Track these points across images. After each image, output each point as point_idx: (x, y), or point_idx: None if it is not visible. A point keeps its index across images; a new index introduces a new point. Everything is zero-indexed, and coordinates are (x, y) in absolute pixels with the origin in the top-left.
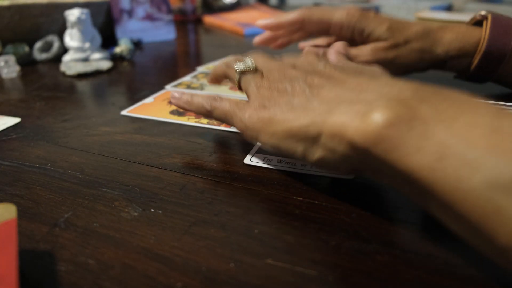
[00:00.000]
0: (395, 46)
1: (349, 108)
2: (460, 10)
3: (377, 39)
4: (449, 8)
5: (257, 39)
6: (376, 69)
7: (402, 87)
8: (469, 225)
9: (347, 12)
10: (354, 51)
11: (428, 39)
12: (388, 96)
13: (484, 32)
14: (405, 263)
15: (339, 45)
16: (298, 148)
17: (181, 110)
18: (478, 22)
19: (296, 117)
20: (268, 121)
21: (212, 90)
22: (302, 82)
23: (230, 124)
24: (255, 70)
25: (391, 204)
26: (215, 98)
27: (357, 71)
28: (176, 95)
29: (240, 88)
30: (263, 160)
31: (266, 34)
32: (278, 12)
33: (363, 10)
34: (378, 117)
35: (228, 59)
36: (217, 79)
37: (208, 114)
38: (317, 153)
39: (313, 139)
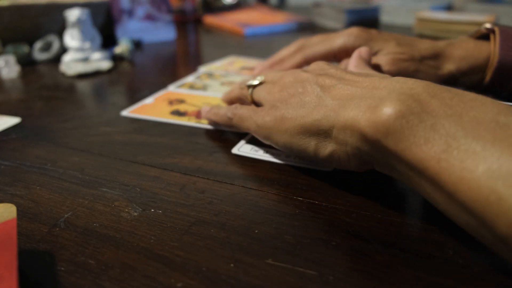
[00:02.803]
0: (413, 59)
1: (361, 102)
2: (460, 10)
3: (389, 54)
4: (449, 8)
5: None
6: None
7: (414, 83)
8: (472, 215)
9: (350, 34)
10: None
11: (440, 57)
12: (399, 91)
13: (493, 46)
14: (405, 263)
15: (363, 51)
16: (311, 143)
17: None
18: (483, 35)
19: (309, 112)
20: (280, 118)
21: (216, 90)
22: (313, 83)
23: (245, 129)
24: (265, 82)
25: (391, 204)
26: (236, 106)
27: (368, 74)
28: (207, 108)
29: (254, 103)
30: (250, 150)
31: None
32: (279, 12)
33: (364, 29)
34: (388, 109)
35: (240, 82)
36: (232, 101)
37: (229, 122)
38: (329, 147)
39: (325, 133)
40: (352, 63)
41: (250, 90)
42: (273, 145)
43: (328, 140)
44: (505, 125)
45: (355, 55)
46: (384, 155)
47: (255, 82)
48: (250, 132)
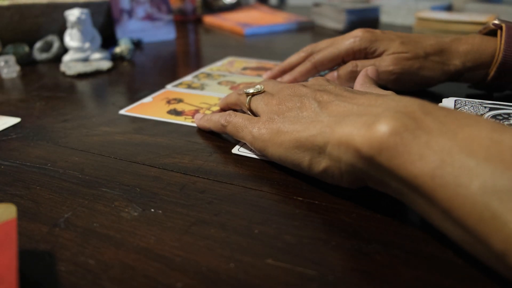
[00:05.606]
0: (417, 57)
1: (356, 120)
2: (460, 10)
3: (393, 54)
4: (449, 8)
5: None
6: (387, 91)
7: (408, 102)
8: (467, 231)
9: (355, 37)
10: (372, 62)
11: (445, 52)
12: (395, 108)
13: (499, 43)
14: (405, 263)
15: (370, 69)
16: (305, 158)
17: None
18: (491, 31)
19: (305, 127)
20: (276, 131)
21: (213, 89)
22: (311, 98)
23: (240, 137)
24: (264, 92)
25: (391, 204)
26: (230, 114)
27: (366, 92)
28: (199, 116)
29: (251, 111)
30: (250, 150)
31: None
32: (279, 12)
33: (369, 30)
34: (383, 126)
35: (239, 88)
36: (228, 106)
37: (223, 129)
38: (323, 163)
39: (319, 148)
40: (359, 81)
41: (248, 98)
42: (269, 158)
43: (322, 156)
44: (499, 142)
45: (362, 73)
46: (378, 172)
47: (254, 90)
48: (245, 142)
